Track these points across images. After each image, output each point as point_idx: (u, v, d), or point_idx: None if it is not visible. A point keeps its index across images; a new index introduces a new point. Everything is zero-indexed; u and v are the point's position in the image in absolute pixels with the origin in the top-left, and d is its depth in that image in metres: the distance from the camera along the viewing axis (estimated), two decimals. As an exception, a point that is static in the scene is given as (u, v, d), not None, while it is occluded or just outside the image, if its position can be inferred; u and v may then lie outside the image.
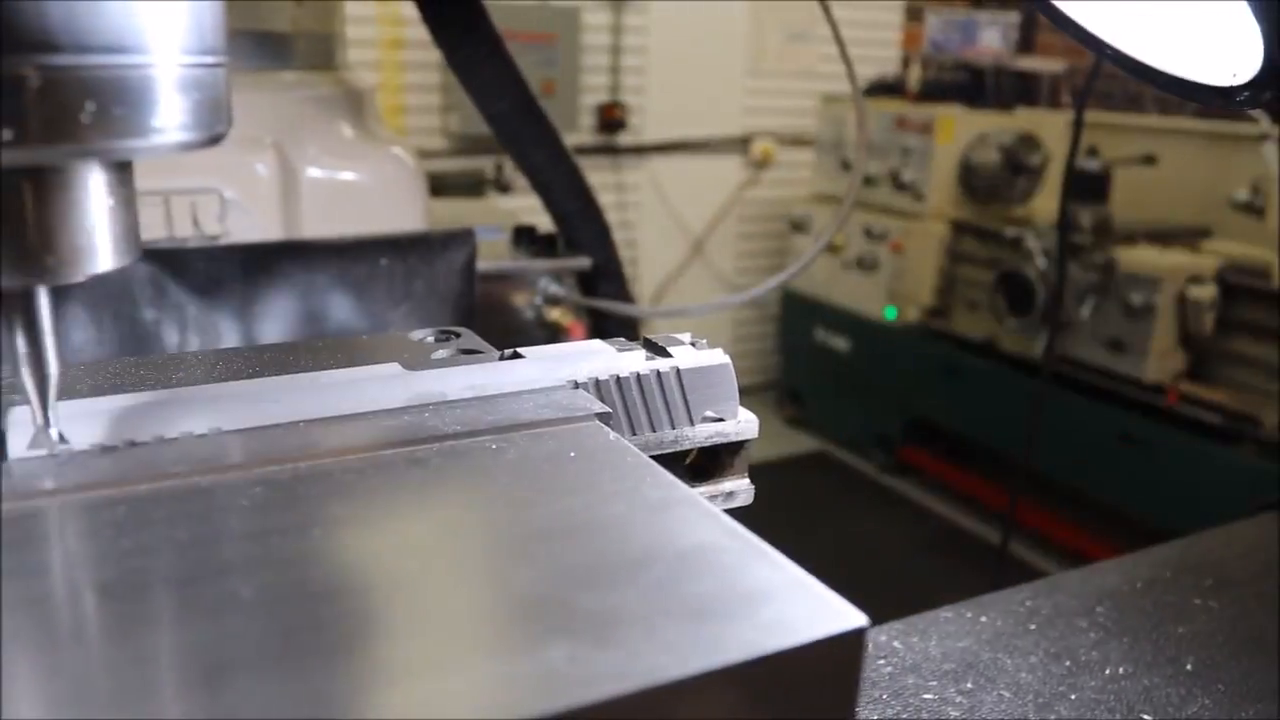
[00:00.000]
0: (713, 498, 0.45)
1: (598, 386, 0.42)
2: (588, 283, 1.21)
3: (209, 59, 0.29)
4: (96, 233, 0.30)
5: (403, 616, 0.27)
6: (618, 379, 0.42)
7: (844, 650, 0.26)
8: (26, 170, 0.28)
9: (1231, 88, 0.46)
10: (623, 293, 1.22)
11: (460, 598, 0.28)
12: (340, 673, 0.24)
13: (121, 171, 0.31)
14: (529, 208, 1.85)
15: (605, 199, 1.26)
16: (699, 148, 4.33)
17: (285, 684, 0.23)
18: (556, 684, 0.23)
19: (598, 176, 3.88)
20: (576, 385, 0.42)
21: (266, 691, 0.23)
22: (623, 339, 0.45)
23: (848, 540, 3.43)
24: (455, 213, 1.56)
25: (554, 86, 3.75)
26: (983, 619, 0.66)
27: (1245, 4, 0.44)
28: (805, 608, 0.27)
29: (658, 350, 0.44)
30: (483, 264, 1.05)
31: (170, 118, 0.28)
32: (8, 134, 0.26)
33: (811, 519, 3.55)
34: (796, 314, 4.30)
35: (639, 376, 0.43)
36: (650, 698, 0.23)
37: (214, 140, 0.30)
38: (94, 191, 0.30)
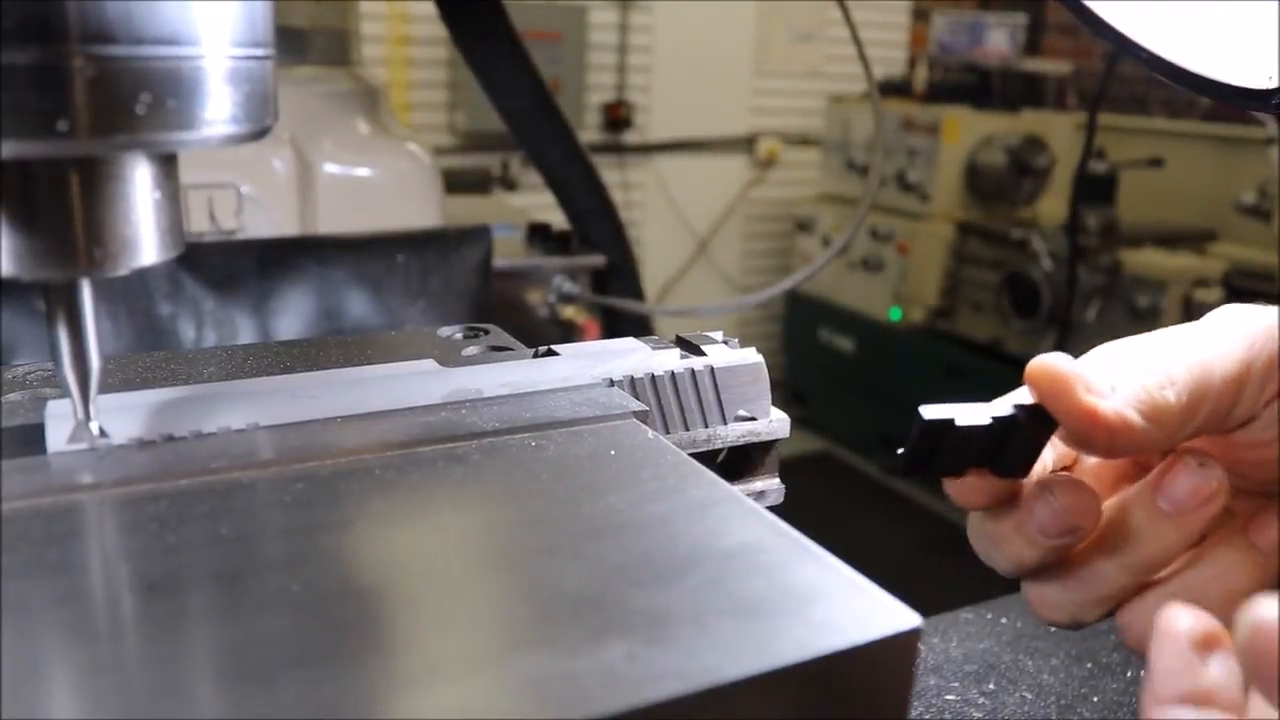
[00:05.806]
0: (744, 497, 0.45)
1: (633, 384, 0.42)
2: (601, 280, 1.21)
3: (259, 51, 0.29)
4: (143, 225, 0.30)
5: (455, 613, 0.27)
6: (653, 377, 0.42)
7: (898, 651, 0.26)
8: (76, 161, 0.28)
9: (1267, 90, 0.46)
10: (635, 291, 1.22)
11: (510, 595, 0.28)
12: (396, 669, 0.24)
13: (168, 164, 0.31)
14: (536, 205, 1.84)
15: (610, 198, 1.26)
16: (704, 147, 4.33)
17: (336, 681, 0.23)
18: (619, 682, 0.22)
19: (603, 175, 3.88)
20: (612, 383, 0.41)
21: (317, 688, 0.23)
22: (657, 337, 0.45)
23: (851, 541, 3.38)
24: (467, 210, 1.56)
25: (559, 85, 3.75)
26: (1003, 620, 0.65)
27: (1283, 5, 0.44)
28: (858, 608, 0.27)
29: (692, 349, 0.43)
30: (497, 261, 1.05)
31: (222, 110, 0.28)
32: (62, 124, 0.26)
33: (815, 519, 3.52)
34: (801, 314, 4.29)
35: (673, 375, 0.43)
36: (710, 697, 0.23)
37: (261, 133, 0.30)
38: (142, 184, 0.30)
